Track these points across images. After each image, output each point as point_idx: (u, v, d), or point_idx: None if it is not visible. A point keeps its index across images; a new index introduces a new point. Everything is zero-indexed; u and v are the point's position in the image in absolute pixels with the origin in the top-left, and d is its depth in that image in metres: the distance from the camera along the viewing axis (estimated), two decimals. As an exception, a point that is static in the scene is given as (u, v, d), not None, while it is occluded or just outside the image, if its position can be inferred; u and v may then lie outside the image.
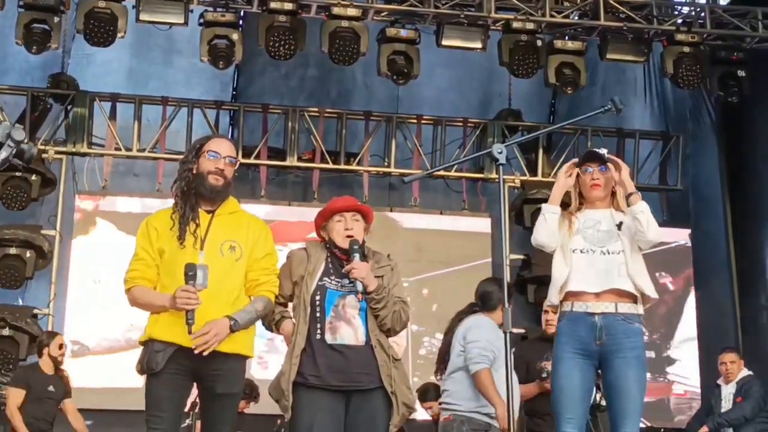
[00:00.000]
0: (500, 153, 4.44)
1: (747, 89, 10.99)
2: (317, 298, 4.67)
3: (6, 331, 10.19)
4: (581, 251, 4.85)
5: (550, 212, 4.91)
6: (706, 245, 12.22)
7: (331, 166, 11.80)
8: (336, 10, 10.27)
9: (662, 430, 10.38)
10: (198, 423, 7.20)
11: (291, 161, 11.75)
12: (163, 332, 4.44)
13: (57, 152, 11.06)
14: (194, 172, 4.62)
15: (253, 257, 4.62)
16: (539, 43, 10.68)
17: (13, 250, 10.47)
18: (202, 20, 10.30)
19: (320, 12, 10.40)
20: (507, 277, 4.85)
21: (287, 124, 11.72)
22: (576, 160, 5.08)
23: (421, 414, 10.97)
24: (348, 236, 4.75)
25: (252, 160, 11.62)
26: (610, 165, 4.97)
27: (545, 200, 5.12)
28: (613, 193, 4.99)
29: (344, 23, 10.26)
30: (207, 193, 4.59)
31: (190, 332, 4.33)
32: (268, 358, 10.00)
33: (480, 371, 5.73)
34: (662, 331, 11.77)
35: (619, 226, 4.87)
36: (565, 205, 5.10)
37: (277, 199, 11.85)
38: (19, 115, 11.04)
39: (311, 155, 11.85)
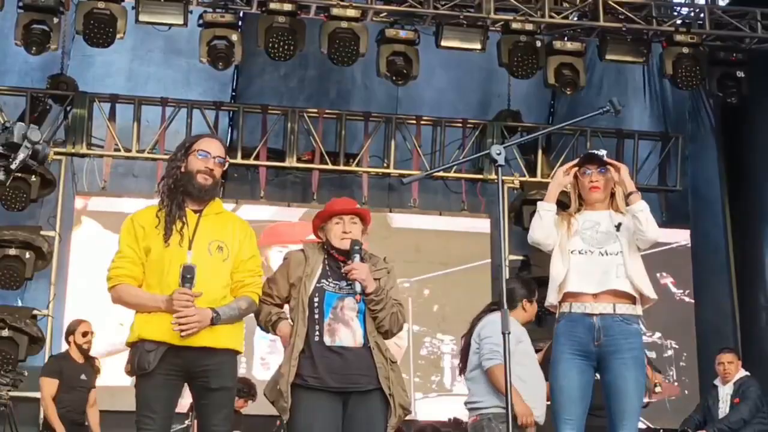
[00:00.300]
0: (499, 154, 4.44)
1: (746, 90, 11.00)
2: (315, 300, 4.68)
3: (5, 332, 10.18)
4: (580, 252, 4.85)
5: (546, 210, 4.92)
6: (706, 246, 12.23)
7: (330, 166, 11.81)
8: (335, 11, 10.27)
9: (661, 430, 10.37)
10: (195, 423, 7.22)
11: (290, 162, 11.75)
12: (154, 332, 4.42)
13: (56, 153, 11.06)
14: (182, 170, 4.61)
15: (240, 258, 4.61)
16: (538, 43, 10.68)
17: (12, 251, 10.47)
18: (201, 21, 10.31)
19: (319, 13, 10.40)
20: (506, 277, 4.86)
21: (286, 124, 11.72)
22: (576, 161, 5.08)
23: (421, 414, 11.02)
24: (346, 239, 4.75)
25: (251, 161, 11.64)
26: (609, 166, 4.97)
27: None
28: (612, 195, 5.00)
29: (343, 24, 10.26)
30: (196, 193, 4.58)
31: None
32: (270, 359, 10.02)
33: (493, 367, 5.73)
34: (662, 332, 11.78)
35: (618, 227, 4.88)
36: (564, 206, 5.11)
37: (276, 199, 11.86)
38: (19, 115, 11.04)
39: (310, 156, 11.85)
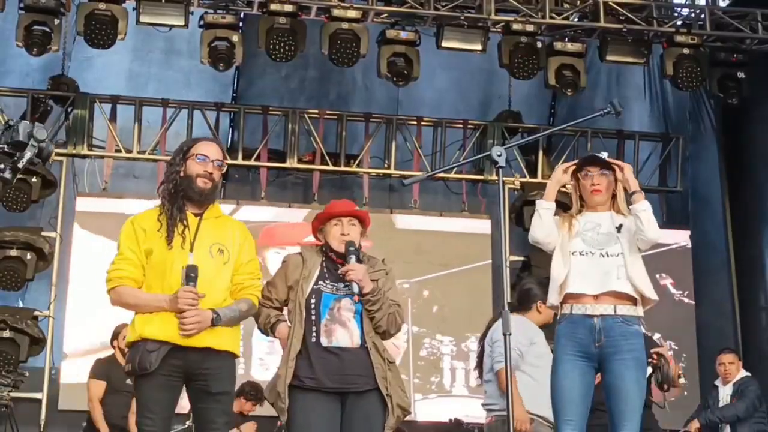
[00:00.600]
0: (500, 156, 4.45)
1: (747, 91, 11.01)
2: (312, 301, 4.70)
3: (6, 333, 10.18)
4: (580, 253, 4.85)
5: (544, 208, 4.91)
6: (706, 247, 12.23)
7: (331, 167, 11.81)
8: (336, 12, 10.28)
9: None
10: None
11: (291, 163, 11.76)
12: (156, 331, 4.43)
13: (57, 154, 11.05)
14: (182, 174, 4.62)
15: (239, 261, 4.64)
16: (539, 44, 10.69)
17: (13, 252, 10.47)
18: (202, 22, 10.32)
19: (320, 14, 10.41)
20: (507, 278, 4.86)
21: (287, 125, 11.73)
22: (577, 161, 5.08)
23: (421, 415, 11.02)
24: (344, 241, 4.77)
25: (252, 162, 11.64)
26: (611, 168, 4.97)
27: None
28: (614, 196, 5.00)
29: (344, 25, 10.27)
30: (195, 196, 4.60)
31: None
32: (269, 360, 10.02)
33: (501, 370, 5.73)
34: (662, 333, 11.77)
35: (619, 228, 4.88)
36: (565, 207, 5.11)
37: (277, 200, 11.86)
38: (20, 117, 11.04)
39: (311, 157, 11.85)
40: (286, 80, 12.37)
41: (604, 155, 5.02)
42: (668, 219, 12.17)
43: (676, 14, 11.26)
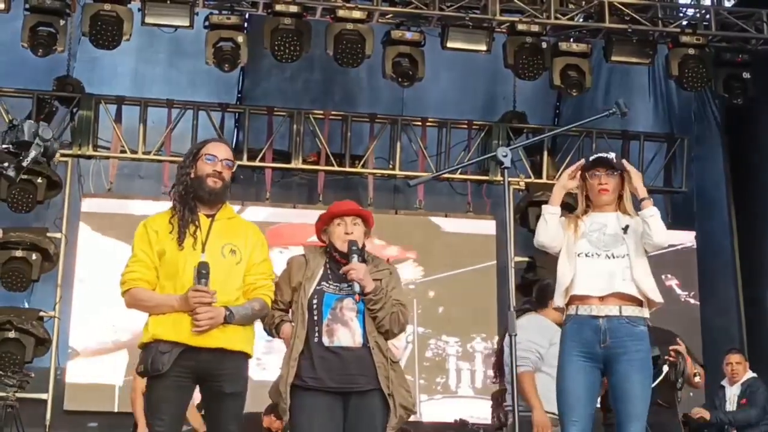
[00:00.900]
0: (505, 156, 4.45)
1: (752, 91, 11.00)
2: (314, 301, 4.70)
3: (12, 334, 10.20)
4: (586, 255, 4.85)
5: (550, 213, 4.91)
6: (711, 247, 12.22)
7: (336, 168, 11.81)
8: (341, 13, 10.29)
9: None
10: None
11: (296, 163, 11.76)
12: (169, 332, 4.43)
13: (62, 155, 11.06)
14: (192, 176, 4.64)
15: (252, 262, 4.63)
16: (544, 45, 10.69)
17: (19, 253, 10.49)
18: (207, 23, 10.33)
19: (325, 14, 10.42)
20: (512, 279, 4.86)
21: (292, 126, 11.73)
22: (582, 161, 5.07)
23: (426, 416, 11.02)
24: (347, 240, 4.77)
25: (257, 163, 11.65)
26: (618, 169, 4.97)
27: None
28: (620, 197, 4.99)
29: (349, 26, 10.28)
30: (206, 196, 4.60)
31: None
32: (266, 360, 10.01)
33: (521, 374, 5.70)
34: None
35: (625, 229, 4.88)
36: (570, 208, 5.10)
37: (282, 201, 11.87)
38: (25, 117, 11.05)
39: (316, 157, 11.86)
40: (291, 81, 12.38)
41: (612, 155, 5.02)
42: (673, 220, 12.14)
43: (681, 14, 11.26)
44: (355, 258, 4.70)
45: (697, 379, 6.51)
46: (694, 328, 11.90)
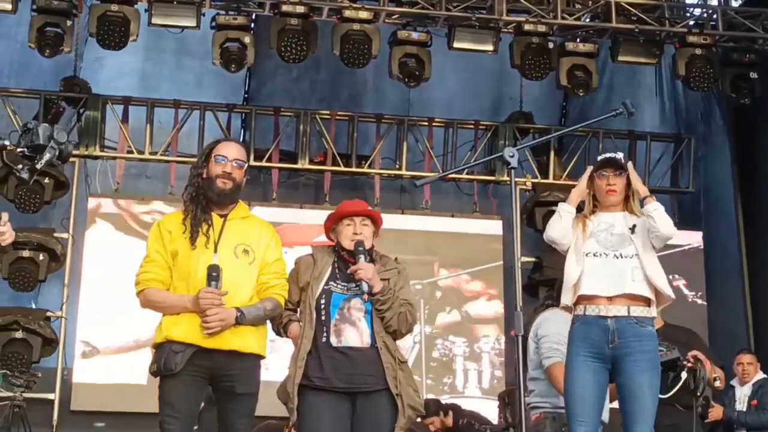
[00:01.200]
0: (512, 156, 4.44)
1: (759, 91, 10.95)
2: (322, 301, 4.70)
3: (19, 334, 10.21)
4: (594, 255, 4.85)
5: (566, 211, 4.93)
6: (718, 247, 12.20)
7: (342, 168, 11.82)
8: (347, 13, 10.29)
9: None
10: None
11: (302, 164, 11.77)
12: (182, 333, 4.44)
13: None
14: (204, 176, 4.65)
15: (265, 261, 4.64)
16: (551, 45, 10.68)
17: (26, 253, 10.50)
18: (214, 23, 10.33)
19: (332, 15, 10.41)
20: (519, 279, 4.85)
21: (299, 126, 11.74)
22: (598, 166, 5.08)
23: (433, 417, 10.99)
24: (354, 239, 4.77)
25: (263, 163, 11.65)
26: (626, 170, 4.98)
27: (557, 203, 5.13)
28: (627, 197, 5.00)
29: (356, 26, 10.28)
30: (215, 197, 4.61)
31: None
32: (269, 360, 10.01)
33: (552, 366, 5.65)
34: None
35: (633, 229, 4.88)
36: (578, 208, 5.10)
37: (288, 201, 11.87)
38: (32, 118, 11.08)
39: (323, 158, 11.86)
40: (298, 81, 12.38)
41: (620, 155, 5.03)
42: (680, 220, 12.11)
43: (688, 14, 11.24)
44: (362, 258, 4.69)
45: (717, 383, 6.48)
46: (701, 328, 11.86)
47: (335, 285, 4.74)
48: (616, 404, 5.02)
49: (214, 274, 4.41)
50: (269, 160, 11.68)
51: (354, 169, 11.87)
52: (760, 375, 8.65)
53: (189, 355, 4.41)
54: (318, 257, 4.83)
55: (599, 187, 4.98)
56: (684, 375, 5.99)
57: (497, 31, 10.60)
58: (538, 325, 5.85)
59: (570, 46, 10.77)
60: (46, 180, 10.67)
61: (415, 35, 10.57)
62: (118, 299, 10.41)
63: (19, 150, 4.12)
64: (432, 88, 11.53)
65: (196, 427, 7.44)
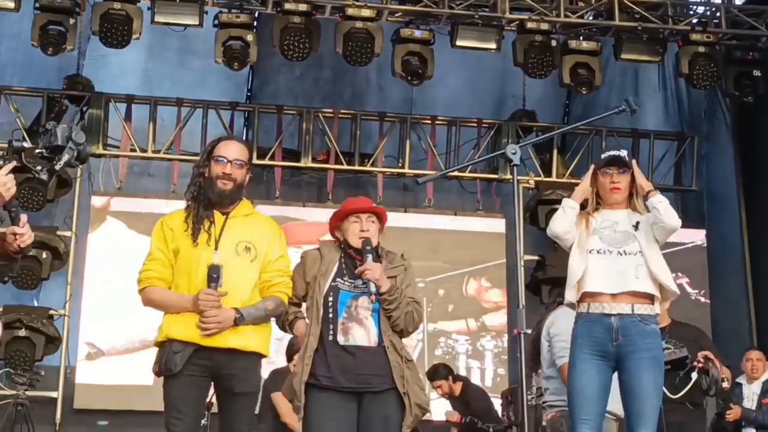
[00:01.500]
0: (514, 154, 4.44)
1: (762, 89, 10.95)
2: (330, 299, 4.68)
3: (22, 332, 10.21)
4: (598, 252, 4.85)
5: (570, 207, 4.93)
6: (722, 246, 12.19)
7: (345, 167, 11.81)
8: (350, 11, 10.28)
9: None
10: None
11: (305, 162, 11.76)
12: (182, 332, 4.44)
13: (72, 153, 11.06)
14: (206, 176, 4.64)
15: (268, 259, 4.63)
16: (554, 43, 10.66)
17: (29, 251, 10.47)
18: (216, 21, 10.33)
19: (334, 13, 10.41)
20: (521, 278, 4.84)
21: (302, 125, 11.74)
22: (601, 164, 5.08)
23: (436, 414, 10.98)
24: (363, 237, 4.75)
25: (266, 161, 11.64)
26: (630, 168, 4.98)
27: (560, 201, 5.12)
28: (630, 195, 5.00)
29: (358, 24, 10.27)
30: (215, 198, 4.60)
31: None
32: (276, 359, 10.01)
33: (564, 365, 5.65)
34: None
35: (636, 226, 4.88)
36: (581, 206, 5.10)
37: (291, 200, 11.87)
38: (35, 116, 11.09)
39: (325, 156, 11.86)
40: (301, 79, 12.38)
41: (623, 153, 5.03)
42: (684, 218, 11.90)
43: (691, 12, 11.22)
44: (369, 258, 4.68)
45: (725, 384, 6.47)
46: (704, 326, 11.81)
47: (342, 282, 4.72)
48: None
49: (214, 275, 4.40)
50: (272, 158, 11.68)
51: (357, 168, 11.87)
52: None
53: (188, 354, 4.41)
54: (325, 252, 4.82)
55: (603, 185, 4.98)
56: (695, 375, 5.98)
57: (500, 29, 10.60)
58: (551, 323, 5.85)
59: (573, 44, 10.77)
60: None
61: (417, 33, 10.57)
62: (122, 298, 10.45)
63: (37, 151, 4.13)
64: (435, 86, 11.54)
65: (204, 421, 7.45)
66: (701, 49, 10.73)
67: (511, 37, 10.76)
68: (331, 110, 11.92)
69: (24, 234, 4.02)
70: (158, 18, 10.14)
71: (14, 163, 3.97)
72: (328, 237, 4.99)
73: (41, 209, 10.79)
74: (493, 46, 10.60)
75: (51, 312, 10.62)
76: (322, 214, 10.75)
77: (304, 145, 11.73)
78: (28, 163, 4.09)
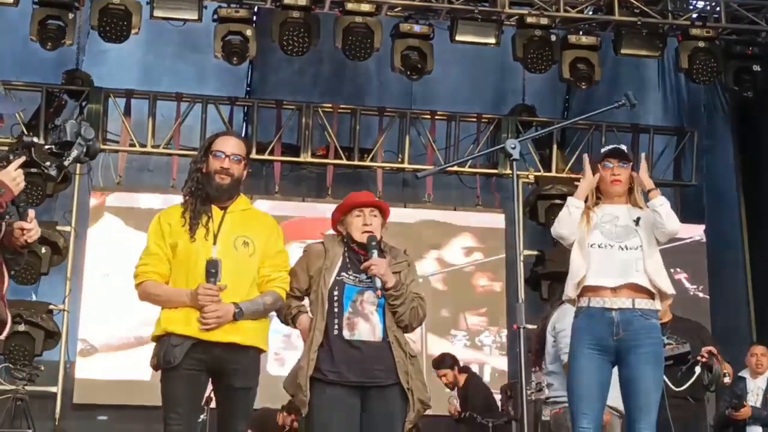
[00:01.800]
0: (513, 148, 4.43)
1: (762, 83, 10.94)
2: (335, 293, 4.68)
3: (22, 327, 10.19)
4: (599, 246, 4.84)
5: (575, 206, 4.91)
6: (721, 241, 12.18)
7: (344, 162, 11.80)
8: (350, 6, 10.27)
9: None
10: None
11: (305, 157, 11.75)
12: (180, 326, 4.44)
13: (71, 148, 11.05)
14: (203, 171, 4.64)
15: (266, 254, 4.62)
16: (553, 38, 10.67)
17: (26, 250, 10.45)
18: (215, 16, 10.33)
19: (334, 8, 10.40)
20: (521, 273, 4.83)
21: (301, 120, 11.73)
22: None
23: (434, 409, 10.97)
24: (366, 231, 4.75)
25: (266, 156, 11.63)
26: (630, 161, 4.98)
27: (559, 196, 5.13)
28: (630, 189, 5.00)
29: (358, 19, 10.27)
30: (214, 193, 4.60)
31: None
32: (284, 355, 10.02)
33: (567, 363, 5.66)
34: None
35: (637, 221, 4.88)
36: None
37: (291, 195, 11.85)
38: (34, 111, 11.08)
39: (325, 151, 11.85)
40: (300, 74, 12.36)
41: (623, 148, 5.03)
42: (683, 213, 12.07)
43: (691, 7, 11.21)
44: (375, 253, 4.68)
45: (726, 379, 6.46)
46: (703, 322, 11.81)
47: (347, 276, 4.73)
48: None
49: (212, 270, 4.40)
50: (271, 153, 11.67)
51: (356, 163, 11.86)
52: None
53: (187, 348, 4.41)
54: (329, 246, 4.81)
55: (603, 178, 4.97)
56: (698, 370, 5.98)
57: (500, 23, 10.59)
58: (556, 319, 5.84)
59: (573, 38, 10.76)
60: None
61: (417, 28, 10.56)
62: (120, 294, 10.46)
63: (47, 147, 4.13)
64: (434, 81, 11.52)
65: (203, 416, 7.46)
66: (701, 44, 10.73)
67: (510, 31, 10.75)
68: (330, 105, 11.91)
69: (31, 229, 4.02)
70: (157, 13, 10.13)
71: (24, 158, 3.98)
72: (329, 233, 4.99)
73: (40, 204, 10.78)
74: (492, 40, 10.60)
75: (50, 307, 10.62)
76: (322, 209, 10.75)
77: (304, 140, 11.72)
78: (37, 158, 4.09)
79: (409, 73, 10.58)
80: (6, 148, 5.59)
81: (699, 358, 6.05)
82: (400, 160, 12.01)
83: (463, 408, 8.97)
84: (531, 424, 6.01)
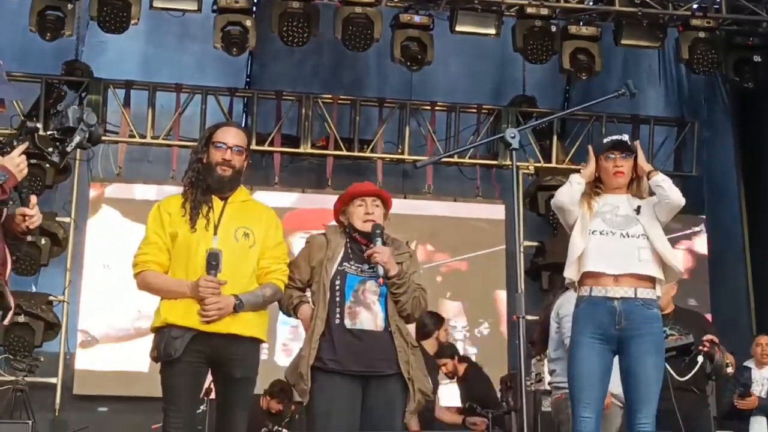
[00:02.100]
0: (513, 138, 4.42)
1: (763, 74, 10.92)
2: (337, 282, 4.69)
3: (22, 318, 10.19)
4: (601, 233, 4.85)
5: (577, 182, 4.91)
6: (721, 232, 12.17)
7: (344, 153, 11.78)
8: (350, -4, 10.26)
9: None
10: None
11: (305, 148, 11.73)
12: (180, 317, 4.43)
13: (71, 139, 11.03)
14: (204, 162, 4.64)
15: (266, 245, 4.62)
16: (553, 28, 10.66)
17: (28, 237, 10.43)
18: (215, 6, 10.31)
19: (333, -2, 10.39)
20: (521, 264, 4.82)
21: (301, 110, 11.71)
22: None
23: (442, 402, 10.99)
24: (368, 220, 4.76)
25: (266, 147, 11.61)
26: (633, 153, 4.98)
27: (559, 187, 5.11)
28: (631, 180, 5.00)
29: (358, 9, 10.25)
30: (215, 184, 4.61)
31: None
32: (292, 346, 10.02)
33: None
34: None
35: (638, 210, 4.88)
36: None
37: (290, 186, 11.83)
38: (34, 102, 11.06)
39: (325, 142, 11.84)
40: (300, 65, 12.33)
41: (625, 137, 5.03)
42: (684, 205, 12.07)
43: (691, -3, 11.18)
44: (378, 241, 4.68)
45: (729, 369, 6.45)
46: (703, 313, 11.85)
47: (349, 266, 4.74)
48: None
49: (213, 262, 4.39)
50: (271, 144, 11.65)
51: (356, 154, 11.84)
52: None
53: (188, 339, 4.41)
54: (331, 237, 4.83)
55: (606, 169, 4.97)
56: (701, 359, 5.97)
57: (500, 14, 10.57)
58: (560, 305, 5.84)
59: (573, 29, 10.73)
60: (48, 164, 10.63)
61: (417, 19, 10.55)
62: (120, 285, 10.45)
63: (48, 133, 4.12)
64: (434, 72, 11.49)
65: (203, 407, 7.47)
66: (701, 34, 10.70)
67: (510, 22, 10.74)
68: (330, 96, 11.89)
69: (33, 216, 4.00)
70: (157, 3, 10.12)
71: (27, 145, 3.97)
72: (328, 225, 4.99)
73: (40, 195, 10.76)
74: (492, 31, 10.58)
75: (50, 298, 10.62)
76: (322, 200, 10.76)
77: (304, 131, 11.71)
78: (40, 144, 4.08)
79: (409, 63, 10.57)
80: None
81: (700, 347, 6.05)
82: (400, 151, 12.00)
83: (462, 398, 8.98)
84: (530, 415, 6.01)
